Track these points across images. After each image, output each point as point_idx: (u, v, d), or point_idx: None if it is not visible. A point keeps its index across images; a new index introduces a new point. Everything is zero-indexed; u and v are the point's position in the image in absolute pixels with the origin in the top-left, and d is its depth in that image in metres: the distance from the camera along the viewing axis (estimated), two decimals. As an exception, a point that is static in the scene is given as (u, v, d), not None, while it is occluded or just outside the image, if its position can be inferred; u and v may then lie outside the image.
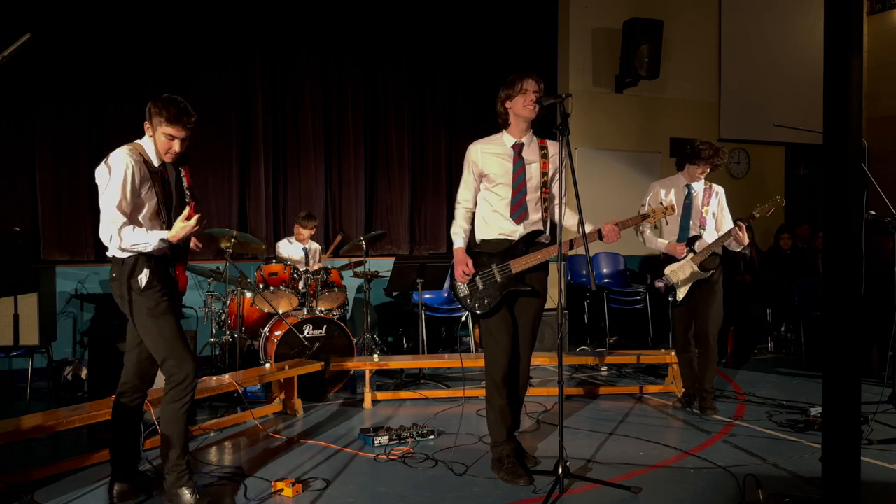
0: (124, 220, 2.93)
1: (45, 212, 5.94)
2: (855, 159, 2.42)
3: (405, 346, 6.96)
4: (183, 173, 3.15)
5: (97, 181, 2.98)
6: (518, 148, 3.50)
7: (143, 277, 2.98)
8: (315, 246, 6.36)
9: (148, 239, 2.93)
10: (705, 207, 4.62)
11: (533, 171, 3.48)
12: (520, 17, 7.69)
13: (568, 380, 5.81)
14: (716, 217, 4.67)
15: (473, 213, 3.59)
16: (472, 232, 3.60)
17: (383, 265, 6.38)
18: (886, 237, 6.04)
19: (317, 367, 4.91)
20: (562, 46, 7.88)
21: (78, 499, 3.25)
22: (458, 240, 3.52)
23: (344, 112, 7.05)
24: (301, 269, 5.74)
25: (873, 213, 4.44)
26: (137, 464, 3.33)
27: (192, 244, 3.27)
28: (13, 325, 5.13)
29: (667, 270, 4.66)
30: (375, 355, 5.35)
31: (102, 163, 2.98)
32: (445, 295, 6.89)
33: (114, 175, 2.93)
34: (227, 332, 5.43)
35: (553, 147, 3.54)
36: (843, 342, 2.43)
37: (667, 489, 3.36)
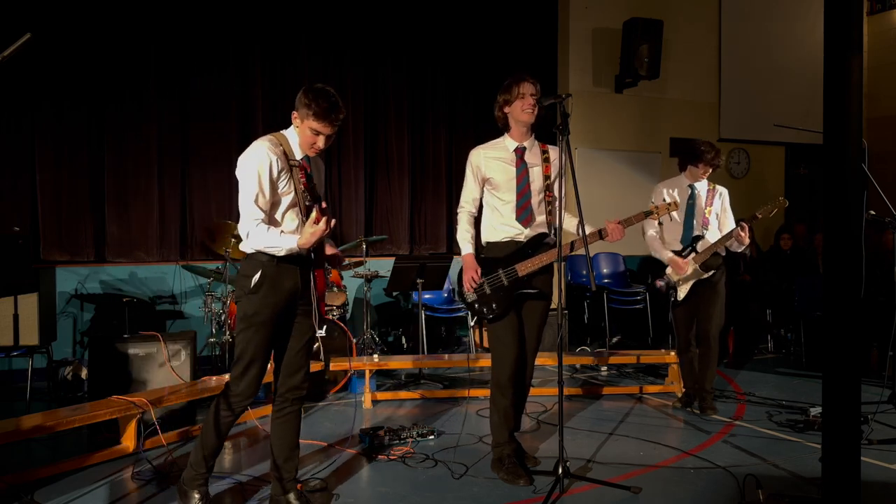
0: (262, 216, 2.84)
1: (45, 212, 5.94)
2: (855, 159, 2.42)
3: (405, 346, 6.96)
4: (300, 176, 2.98)
5: (237, 174, 2.86)
6: (520, 152, 3.50)
7: (255, 279, 2.86)
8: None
9: (280, 243, 2.81)
10: (708, 208, 4.64)
11: (535, 175, 3.49)
12: (520, 17, 7.69)
13: (568, 380, 5.81)
14: (719, 217, 4.68)
15: (476, 217, 3.60)
16: (477, 235, 3.61)
17: (383, 265, 6.37)
18: (883, 235, 6.05)
19: (317, 367, 4.91)
20: (562, 46, 7.88)
21: (78, 499, 3.25)
22: (467, 245, 3.51)
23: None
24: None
25: (873, 213, 4.44)
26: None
27: (332, 259, 3.14)
28: (13, 325, 5.13)
29: (668, 270, 4.67)
30: (375, 355, 5.35)
31: (244, 155, 2.87)
32: (445, 295, 6.90)
33: (252, 170, 2.81)
34: (227, 332, 5.43)
35: (554, 152, 3.54)
36: (843, 342, 2.43)
37: (667, 489, 3.36)
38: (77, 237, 6.06)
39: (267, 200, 2.85)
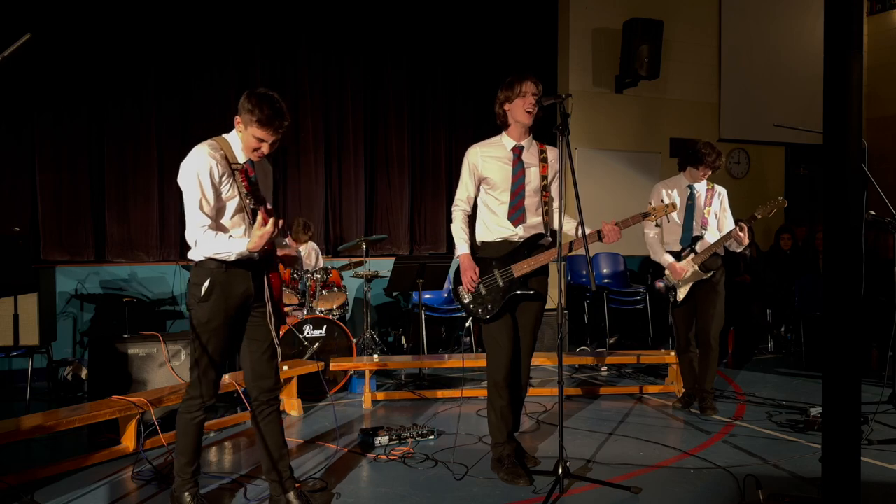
0: (209, 222, 2.81)
1: (45, 212, 5.94)
2: (855, 159, 2.41)
3: (405, 346, 6.96)
4: (240, 177, 2.95)
5: (179, 181, 2.83)
6: (518, 151, 3.49)
7: (205, 287, 2.85)
8: (311, 245, 6.34)
9: (230, 248, 2.79)
10: (707, 208, 4.63)
11: (532, 175, 3.48)
12: (520, 17, 7.69)
13: (568, 380, 5.81)
14: (718, 217, 4.68)
15: (470, 216, 3.58)
16: (472, 234, 3.60)
17: (383, 265, 6.38)
18: (883, 235, 6.05)
19: (317, 367, 4.91)
20: (562, 46, 7.89)
21: (78, 499, 3.25)
22: (464, 245, 3.50)
23: (344, 112, 7.05)
24: (301, 270, 5.74)
25: (873, 213, 4.44)
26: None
27: (281, 271, 3.13)
28: (13, 325, 5.13)
29: (667, 271, 4.67)
30: (375, 355, 5.35)
31: (184, 161, 2.83)
32: (445, 295, 6.89)
33: (192, 176, 2.78)
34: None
35: (552, 153, 3.53)
36: (843, 342, 2.43)
37: (667, 489, 3.36)
38: (77, 237, 6.06)
39: (212, 206, 2.82)
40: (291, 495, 3.01)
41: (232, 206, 2.90)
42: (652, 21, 7.66)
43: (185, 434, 2.98)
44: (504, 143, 3.52)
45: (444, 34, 7.42)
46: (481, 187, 3.55)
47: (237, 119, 2.86)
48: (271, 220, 2.74)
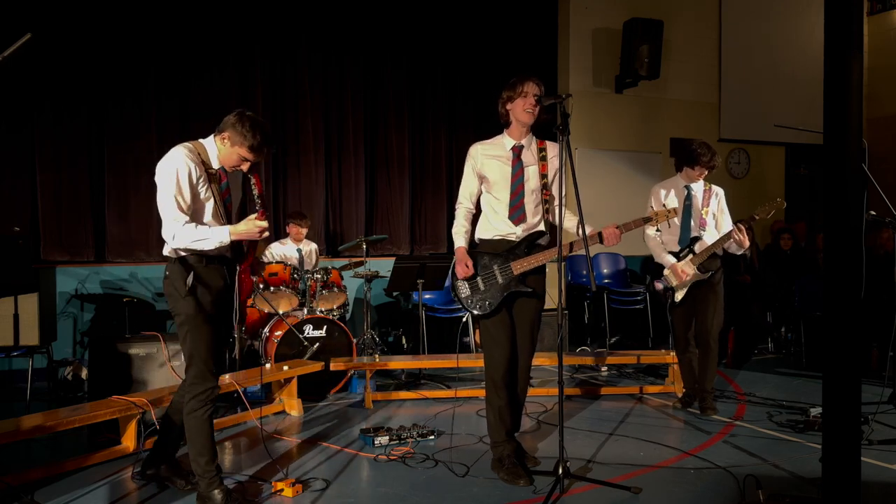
0: (186, 217, 2.89)
1: (45, 212, 5.94)
2: (855, 159, 2.42)
3: (405, 346, 6.96)
4: (253, 181, 3.09)
5: (156, 180, 2.94)
6: (517, 150, 3.51)
7: (189, 280, 2.94)
8: (312, 246, 6.34)
9: (210, 234, 2.89)
10: (705, 209, 4.62)
11: (531, 174, 3.49)
12: (520, 17, 7.69)
13: (568, 380, 5.80)
14: (716, 218, 4.67)
15: (473, 213, 3.61)
16: (472, 231, 3.62)
17: (383, 265, 6.37)
18: (880, 233, 6.04)
19: (317, 367, 4.91)
20: (562, 46, 7.89)
21: (78, 499, 3.25)
22: (460, 239, 3.55)
23: (344, 112, 7.05)
24: (301, 269, 5.74)
25: (873, 213, 4.44)
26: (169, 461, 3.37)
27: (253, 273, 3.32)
28: (13, 325, 5.13)
29: (666, 271, 4.66)
30: (376, 355, 5.35)
31: (162, 161, 2.94)
32: (445, 295, 6.89)
33: (171, 173, 2.89)
34: (227, 333, 5.42)
35: (552, 149, 3.55)
36: (843, 342, 2.43)
37: (667, 489, 3.36)
38: (77, 237, 6.06)
39: (188, 204, 2.91)
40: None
41: (208, 208, 2.99)
42: (652, 21, 7.66)
43: (199, 432, 3.02)
44: (504, 142, 3.54)
45: (444, 34, 7.42)
46: (482, 186, 3.57)
47: (224, 135, 2.95)
48: (265, 222, 2.89)
